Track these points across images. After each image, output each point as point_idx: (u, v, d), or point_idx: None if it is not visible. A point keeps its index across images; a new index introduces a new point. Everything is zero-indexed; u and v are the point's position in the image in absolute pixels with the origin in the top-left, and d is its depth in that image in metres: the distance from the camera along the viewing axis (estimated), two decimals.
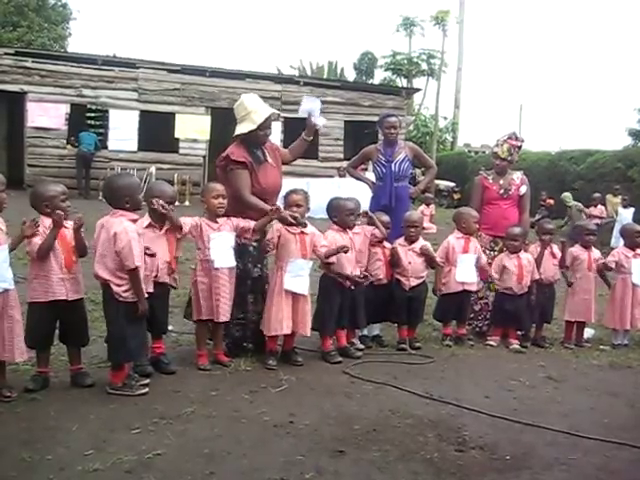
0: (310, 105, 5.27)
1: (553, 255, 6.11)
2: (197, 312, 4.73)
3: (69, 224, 4.11)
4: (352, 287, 5.16)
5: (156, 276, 4.43)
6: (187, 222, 4.63)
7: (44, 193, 4.09)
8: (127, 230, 3.95)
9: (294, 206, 4.89)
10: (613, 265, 6.16)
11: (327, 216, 5.31)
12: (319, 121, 5.27)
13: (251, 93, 5.29)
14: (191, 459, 3.21)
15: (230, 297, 4.70)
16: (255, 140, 5.00)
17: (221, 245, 4.65)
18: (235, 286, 4.77)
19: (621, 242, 6.76)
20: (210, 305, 4.66)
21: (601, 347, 6.10)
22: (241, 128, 4.97)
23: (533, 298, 5.93)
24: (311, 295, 5.02)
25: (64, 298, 4.05)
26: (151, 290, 4.34)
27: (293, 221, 4.78)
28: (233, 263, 4.72)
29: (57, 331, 4.20)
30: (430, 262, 5.69)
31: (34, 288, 4.05)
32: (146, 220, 4.40)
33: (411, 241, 5.62)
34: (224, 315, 4.67)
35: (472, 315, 6.14)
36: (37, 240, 3.96)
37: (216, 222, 4.70)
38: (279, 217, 4.80)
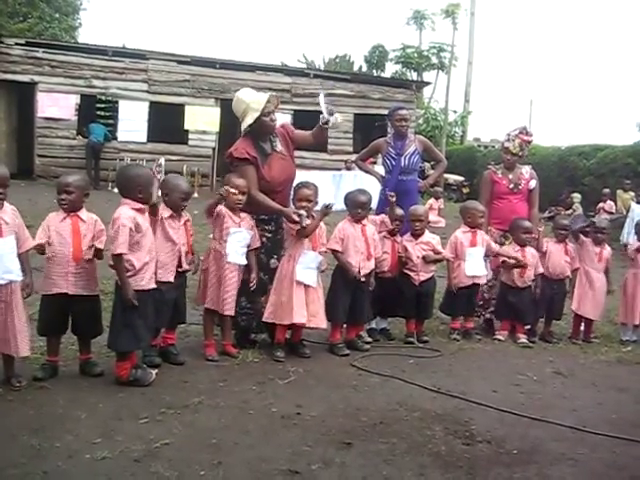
0: (321, 101, 5.03)
1: (566, 251, 6.08)
2: (202, 297, 4.77)
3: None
4: (362, 278, 5.11)
5: (180, 266, 4.46)
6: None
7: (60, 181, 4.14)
8: (120, 216, 3.93)
9: (304, 200, 4.83)
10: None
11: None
12: (332, 118, 4.95)
13: (244, 88, 5.26)
14: (199, 449, 3.23)
15: (236, 292, 4.70)
16: (262, 130, 4.90)
17: (238, 241, 4.65)
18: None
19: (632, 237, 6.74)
20: (217, 296, 4.67)
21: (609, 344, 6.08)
22: (246, 121, 4.88)
23: (538, 291, 5.91)
24: (324, 288, 5.01)
25: (65, 292, 4.04)
26: (172, 280, 4.38)
27: (297, 219, 4.73)
28: (244, 262, 4.72)
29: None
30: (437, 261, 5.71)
31: (43, 279, 4.08)
32: (166, 212, 4.39)
33: (417, 235, 5.60)
34: (229, 310, 4.68)
35: (481, 303, 6.10)
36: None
37: (238, 216, 4.69)
38: (285, 214, 4.79)
